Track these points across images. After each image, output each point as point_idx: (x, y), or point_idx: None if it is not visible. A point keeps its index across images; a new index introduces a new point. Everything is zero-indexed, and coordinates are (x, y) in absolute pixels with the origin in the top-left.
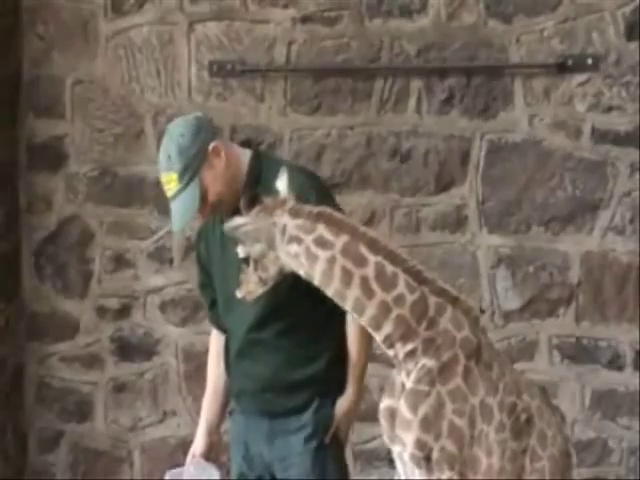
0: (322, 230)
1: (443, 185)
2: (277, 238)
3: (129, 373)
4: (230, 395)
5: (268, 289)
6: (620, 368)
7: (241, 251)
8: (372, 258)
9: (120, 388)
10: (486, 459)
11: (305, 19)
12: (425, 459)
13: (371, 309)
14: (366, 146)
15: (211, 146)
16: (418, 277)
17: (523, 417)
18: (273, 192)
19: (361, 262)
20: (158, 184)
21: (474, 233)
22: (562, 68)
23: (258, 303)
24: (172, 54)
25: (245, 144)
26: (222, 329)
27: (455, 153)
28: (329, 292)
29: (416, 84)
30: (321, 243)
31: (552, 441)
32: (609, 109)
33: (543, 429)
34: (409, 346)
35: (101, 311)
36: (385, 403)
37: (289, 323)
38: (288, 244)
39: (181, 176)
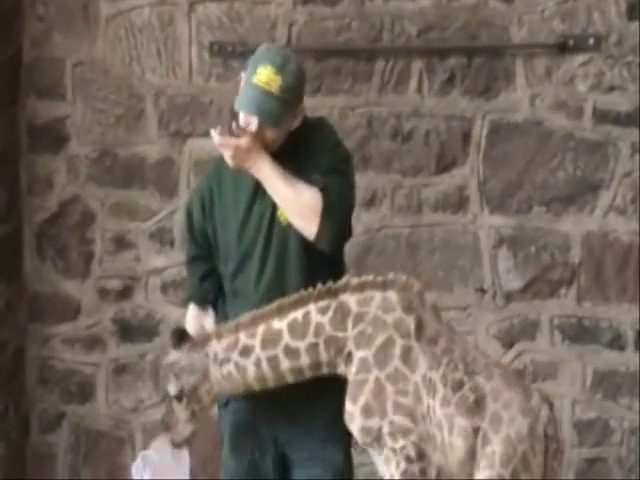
0: (243, 338)
1: (444, 165)
2: (211, 367)
3: (130, 354)
4: None
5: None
6: (621, 348)
7: (172, 389)
8: (281, 323)
9: (121, 369)
10: (439, 433)
11: (306, 0)
12: (376, 441)
13: (305, 359)
14: (367, 127)
15: (302, 105)
16: (329, 293)
17: (472, 397)
18: (312, 153)
19: (275, 339)
20: (159, 165)
21: (475, 213)
22: (563, 48)
23: (280, 255)
24: (173, 35)
25: None
26: (207, 305)
27: (456, 133)
28: (268, 386)
29: (417, 64)
30: (245, 352)
31: (509, 423)
32: (610, 89)
33: (497, 411)
34: (344, 352)
35: (102, 292)
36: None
37: (306, 283)
38: (220, 368)
39: (286, 89)
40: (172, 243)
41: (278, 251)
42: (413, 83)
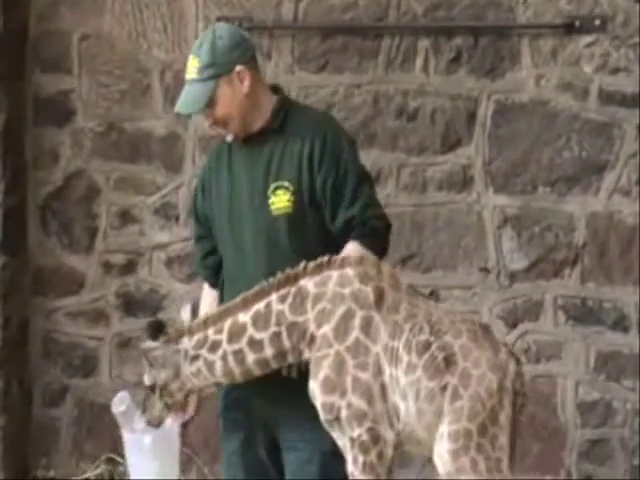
0: (211, 335)
1: (450, 145)
2: (182, 364)
3: (134, 329)
4: None
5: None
6: (625, 329)
7: (147, 379)
8: (246, 316)
9: (125, 343)
10: (403, 403)
11: None
12: (336, 420)
13: (269, 350)
14: (373, 105)
15: (238, 68)
16: (288, 280)
17: (440, 356)
18: (298, 139)
19: (240, 332)
20: (165, 140)
21: (480, 193)
22: (569, 29)
23: (271, 243)
24: (179, 10)
25: (274, 89)
26: (213, 282)
27: (462, 113)
28: (237, 380)
29: (423, 43)
30: (213, 348)
31: (479, 380)
32: (616, 70)
33: (467, 368)
34: (307, 335)
35: (107, 267)
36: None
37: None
38: (190, 365)
39: (202, 68)
40: (177, 218)
41: (269, 240)
42: (419, 62)
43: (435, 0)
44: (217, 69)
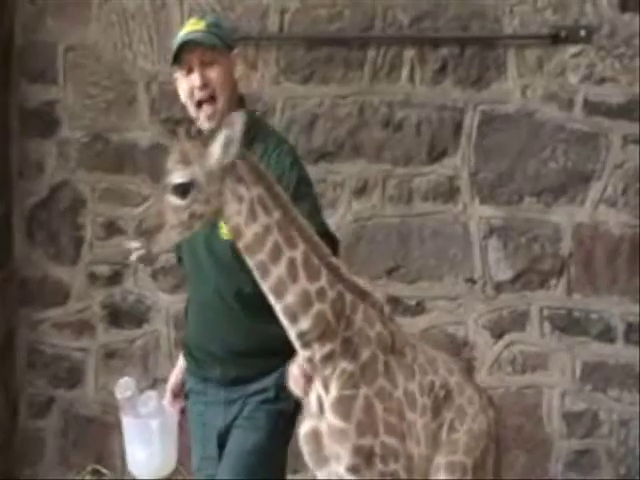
0: (263, 193)
1: (435, 155)
2: (227, 173)
3: (120, 340)
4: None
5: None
6: (611, 340)
7: (177, 176)
8: (301, 244)
9: (111, 355)
10: (417, 450)
11: None
12: (365, 461)
13: (291, 295)
14: (358, 115)
15: (236, 51)
16: (336, 273)
17: (441, 393)
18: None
19: (291, 244)
20: (150, 151)
21: (466, 204)
22: (555, 39)
23: (224, 266)
24: (165, 21)
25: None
26: None
27: (448, 123)
28: (252, 260)
29: (409, 54)
30: (262, 205)
31: (473, 418)
32: (602, 81)
33: (463, 405)
34: (327, 347)
35: (92, 278)
36: (305, 426)
37: (256, 287)
38: (237, 184)
39: (210, 26)
40: None
41: (221, 263)
42: (405, 72)
43: (421, 11)
44: (223, 35)
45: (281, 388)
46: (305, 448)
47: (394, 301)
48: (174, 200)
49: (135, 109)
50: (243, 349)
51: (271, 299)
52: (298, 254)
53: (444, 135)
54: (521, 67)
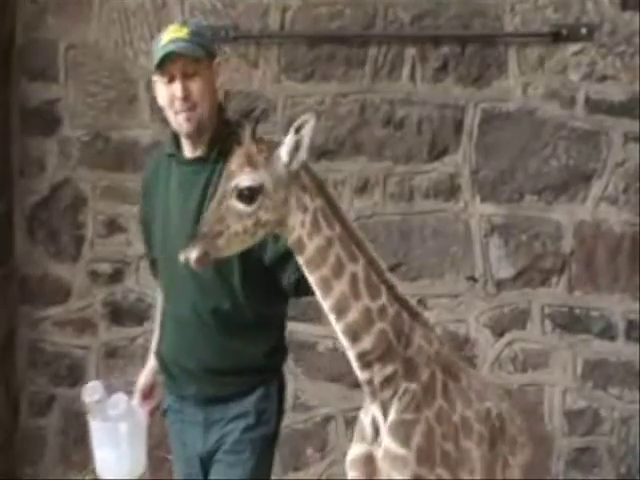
0: (325, 204)
1: (436, 153)
2: (293, 181)
3: (121, 338)
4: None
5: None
6: (612, 338)
7: (246, 179)
8: (361, 258)
9: (112, 353)
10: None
11: None
12: None
13: (353, 313)
14: (360, 113)
15: (218, 59)
16: (393, 291)
17: (497, 423)
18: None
19: (353, 258)
20: (151, 149)
21: (467, 201)
22: (556, 37)
23: (203, 282)
24: (166, 19)
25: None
26: None
27: (449, 121)
28: (314, 276)
29: (410, 52)
30: (325, 216)
31: (521, 449)
32: (603, 79)
33: (514, 435)
34: (389, 368)
35: (93, 276)
36: (356, 451)
37: (235, 305)
38: (302, 192)
39: (193, 34)
40: None
41: (201, 280)
42: (406, 70)
43: (422, 9)
44: (206, 43)
45: (262, 412)
46: (352, 474)
47: None
48: (239, 205)
49: (136, 107)
50: (218, 367)
51: (331, 318)
52: (359, 269)
53: (445, 133)
54: (522, 65)
